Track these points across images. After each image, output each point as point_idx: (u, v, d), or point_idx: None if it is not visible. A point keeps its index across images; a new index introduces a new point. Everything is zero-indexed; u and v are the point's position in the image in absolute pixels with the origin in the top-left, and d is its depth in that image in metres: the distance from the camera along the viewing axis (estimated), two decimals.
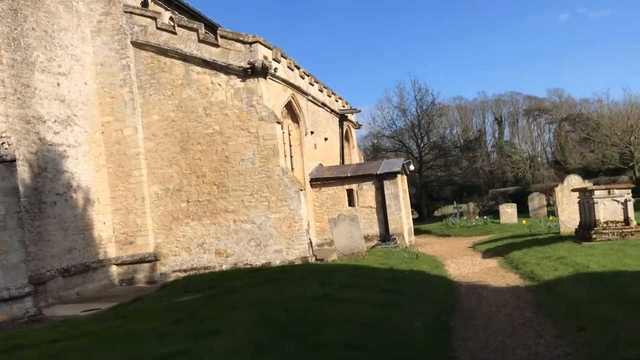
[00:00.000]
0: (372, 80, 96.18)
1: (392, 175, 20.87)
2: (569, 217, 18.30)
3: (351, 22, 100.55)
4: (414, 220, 47.80)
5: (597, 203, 15.01)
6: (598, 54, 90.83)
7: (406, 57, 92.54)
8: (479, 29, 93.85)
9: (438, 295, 11.33)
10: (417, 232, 27.11)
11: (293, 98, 20.32)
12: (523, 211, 31.26)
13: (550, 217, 22.05)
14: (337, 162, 25.59)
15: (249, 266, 17.35)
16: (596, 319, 8.11)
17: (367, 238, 20.84)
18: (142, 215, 18.11)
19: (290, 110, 20.74)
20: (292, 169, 20.89)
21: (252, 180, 17.64)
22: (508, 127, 76.60)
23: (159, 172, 18.24)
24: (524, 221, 21.74)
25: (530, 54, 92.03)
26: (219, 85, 17.91)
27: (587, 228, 15.61)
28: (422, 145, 46.87)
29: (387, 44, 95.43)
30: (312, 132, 22.09)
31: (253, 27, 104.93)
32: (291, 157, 20.86)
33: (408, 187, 49.90)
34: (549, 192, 42.05)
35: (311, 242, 17.69)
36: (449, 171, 50.63)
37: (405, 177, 24.15)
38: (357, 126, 30.43)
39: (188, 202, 18.06)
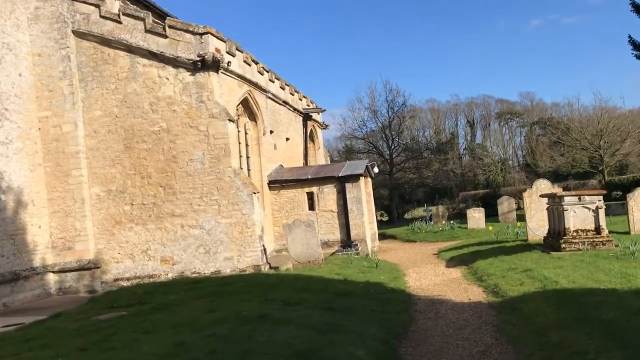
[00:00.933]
0: (344, 83, 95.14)
1: (354, 178, 19.58)
2: (537, 224, 17.23)
3: (323, 25, 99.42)
4: (384, 222, 46.86)
5: (567, 210, 13.92)
6: (569, 59, 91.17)
7: (379, 60, 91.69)
8: (453, 32, 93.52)
9: (392, 313, 10.04)
10: (383, 236, 25.88)
11: (250, 95, 18.90)
12: (493, 215, 30.30)
13: (519, 223, 20.99)
14: (300, 163, 24.24)
15: (196, 275, 15.89)
16: (565, 350, 6.90)
17: (327, 244, 19.56)
18: (81, 219, 16.50)
19: (247, 107, 19.33)
20: (249, 170, 19.49)
21: (201, 182, 16.18)
22: (480, 130, 76.33)
23: (101, 172, 16.67)
24: (490, 227, 20.65)
25: (503, 58, 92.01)
26: (167, 79, 16.41)
27: (556, 236, 14.52)
28: (393, 146, 45.78)
29: (360, 46, 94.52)
30: (271, 132, 20.69)
31: (219, 24, 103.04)
32: (248, 157, 19.45)
33: (377, 189, 49.28)
34: (518, 195, 41.32)
35: (265, 249, 16.30)
36: (420, 173, 49.67)
37: (369, 179, 22.90)
38: (324, 126, 29.12)
39: (132, 204, 16.53)
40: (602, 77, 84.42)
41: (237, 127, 18.72)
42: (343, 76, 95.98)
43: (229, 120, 16.19)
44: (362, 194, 19.88)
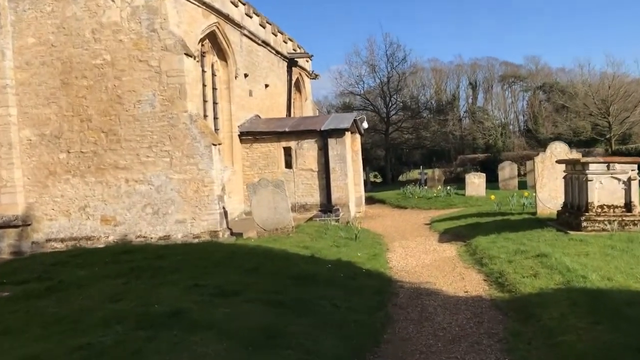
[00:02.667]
0: (344, 39, 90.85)
1: (339, 133, 16.66)
2: (549, 195, 14.41)
3: None
4: (377, 184, 43.95)
5: (591, 180, 11.07)
6: (580, 21, 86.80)
7: (380, 16, 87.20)
8: None
9: (362, 311, 7.32)
10: (371, 200, 23.07)
11: (218, 28, 15.77)
12: (492, 180, 27.51)
13: (526, 193, 18.06)
14: (282, 115, 21.26)
15: (141, 239, 13.19)
16: None
17: (304, 207, 16.81)
18: (8, 167, 13.69)
19: (216, 44, 16.23)
20: (216, 118, 16.55)
21: (150, 128, 13.29)
22: (482, 93, 73.46)
23: (33, 113, 13.75)
24: (492, 196, 17.81)
25: (510, 18, 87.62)
26: (113, 1, 13.31)
27: (575, 212, 11.73)
28: (390, 104, 42.57)
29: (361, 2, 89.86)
30: (246, 75, 17.62)
31: None
32: (215, 103, 16.48)
33: (373, 149, 46.27)
34: (520, 161, 38.51)
35: (225, 213, 13.54)
36: (418, 134, 46.62)
37: (358, 136, 19.94)
38: (313, 76, 25.92)
39: (69, 152, 13.68)
40: (615, 41, 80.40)
41: (203, 66, 15.71)
42: (342, 31, 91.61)
43: (186, 54, 13.16)
44: (347, 152, 17.00)
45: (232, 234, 13.51)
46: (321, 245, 11.54)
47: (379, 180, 44.29)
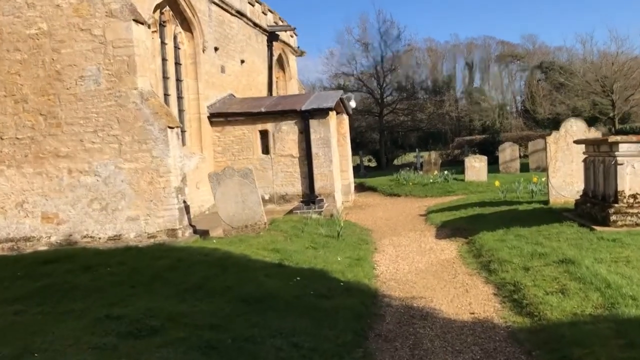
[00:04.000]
0: (335, 19, 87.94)
1: (321, 113, 14.48)
2: (563, 181, 12.30)
3: None
4: (371, 168, 41.77)
5: (621, 164, 8.95)
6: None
7: None
8: None
9: (332, 352, 5.23)
10: (361, 188, 20.89)
11: None
12: (491, 163, 25.34)
13: (534, 178, 15.83)
14: (263, 94, 19.02)
15: (87, 240, 11.08)
16: None
17: (284, 199, 14.71)
18: None
19: (178, 12, 13.96)
20: (181, 97, 14.35)
21: (95, 109, 11.11)
22: (479, 74, 71.49)
23: None
24: (497, 182, 15.55)
25: None
26: None
27: (599, 202, 9.64)
28: (384, 85, 40.25)
29: None
30: (216, 49, 15.37)
31: None
32: (179, 81, 14.27)
33: (367, 132, 43.99)
34: (520, 142, 36.47)
35: (187, 207, 11.41)
36: (414, 116, 44.37)
37: (345, 117, 17.72)
38: (299, 53, 23.60)
39: (2, 139, 11.51)
40: (619, 16, 77.67)
41: (163, 38, 13.50)
42: (333, 8, 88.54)
43: (136, 21, 10.93)
44: (332, 135, 14.84)
45: (195, 231, 11.40)
46: (295, 247, 9.44)
47: (373, 164, 42.10)
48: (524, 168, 25.67)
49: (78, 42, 11.02)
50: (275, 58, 20.32)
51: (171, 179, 10.97)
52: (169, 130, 10.94)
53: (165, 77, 13.38)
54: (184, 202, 11.35)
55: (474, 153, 36.66)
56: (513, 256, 8.13)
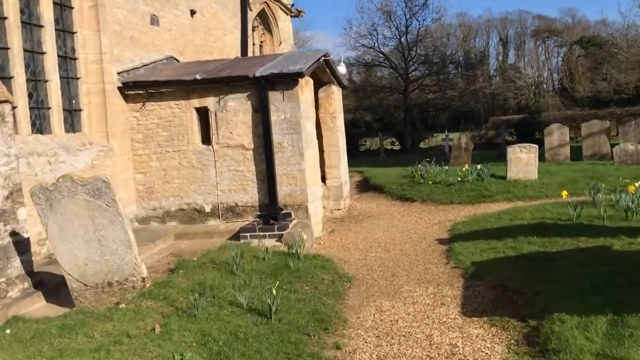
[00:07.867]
0: None
1: (287, 82, 8.84)
2: None
3: None
4: (393, 152, 35.81)
5: None
6: None
7: None
8: None
9: None
10: (364, 186, 14.91)
11: None
12: None
13: (631, 187, 9.01)
14: None
15: None
16: None
17: (233, 211, 9.24)
18: None
19: None
20: (74, 59, 8.90)
21: None
22: (513, 50, 65.75)
23: None
24: (564, 193, 9.28)
25: None
26: None
27: None
28: (409, 58, 34.08)
29: None
30: None
31: None
32: (72, 33, 8.82)
33: (389, 110, 37.80)
34: (564, 123, 29.85)
35: (23, 242, 6.10)
36: (443, 93, 38.09)
37: (335, 89, 11.80)
38: (295, 12, 17.84)
39: None
40: None
41: None
42: None
43: None
44: (305, 115, 9.21)
45: (39, 283, 6.11)
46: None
47: (397, 147, 35.99)
48: (577, 154, 19.74)
49: None
50: (254, 13, 14.66)
51: None
52: None
53: (37, 25, 7.96)
54: (14, 231, 6.03)
55: (511, 135, 30.48)
56: None
